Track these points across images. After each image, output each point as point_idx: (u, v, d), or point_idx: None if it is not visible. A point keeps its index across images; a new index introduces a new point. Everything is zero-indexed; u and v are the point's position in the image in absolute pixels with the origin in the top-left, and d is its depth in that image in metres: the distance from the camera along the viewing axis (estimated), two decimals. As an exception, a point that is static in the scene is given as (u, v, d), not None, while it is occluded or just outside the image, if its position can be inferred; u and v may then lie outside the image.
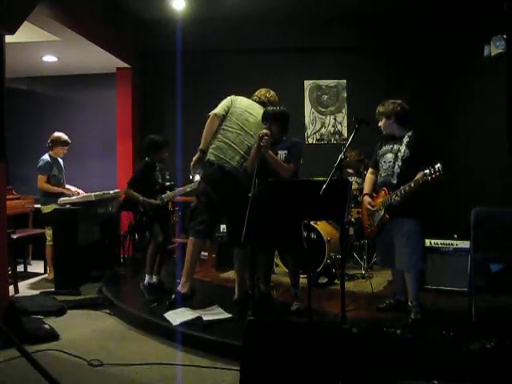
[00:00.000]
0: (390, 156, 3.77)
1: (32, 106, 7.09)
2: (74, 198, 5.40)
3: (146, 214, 4.59)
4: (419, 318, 3.61)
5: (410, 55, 6.44)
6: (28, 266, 6.09)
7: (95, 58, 6.17)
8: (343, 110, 6.73)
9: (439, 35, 6.19)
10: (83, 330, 3.90)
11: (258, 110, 4.10)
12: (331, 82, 6.74)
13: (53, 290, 4.96)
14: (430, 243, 4.46)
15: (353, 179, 5.52)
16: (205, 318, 3.69)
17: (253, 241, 3.16)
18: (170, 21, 6.32)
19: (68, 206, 5.25)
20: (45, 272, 5.81)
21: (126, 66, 6.58)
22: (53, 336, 3.65)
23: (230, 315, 3.80)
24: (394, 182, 3.69)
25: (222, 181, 4.00)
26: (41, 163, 5.53)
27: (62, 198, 5.33)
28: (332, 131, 6.76)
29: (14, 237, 5.25)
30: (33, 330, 3.62)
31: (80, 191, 5.71)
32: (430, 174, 3.31)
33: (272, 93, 4.30)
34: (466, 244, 4.30)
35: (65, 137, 5.63)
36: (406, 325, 3.50)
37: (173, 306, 3.95)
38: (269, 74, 6.22)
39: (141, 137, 6.20)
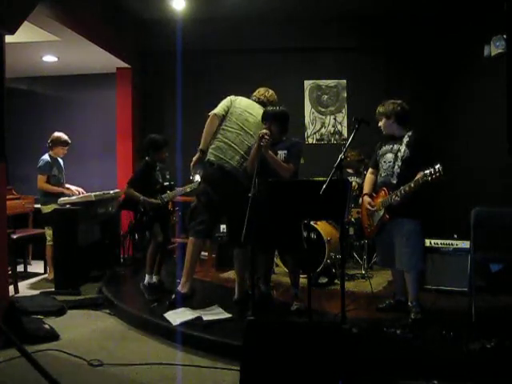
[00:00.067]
0: (389, 156, 3.77)
1: (32, 106, 7.09)
2: (73, 197, 5.40)
3: (147, 213, 4.59)
4: (419, 318, 3.61)
5: (410, 55, 6.44)
6: (28, 266, 6.09)
7: (95, 58, 6.17)
8: (343, 110, 6.73)
9: (439, 35, 6.19)
10: (83, 329, 3.90)
11: (257, 110, 4.10)
12: (331, 82, 6.74)
13: (53, 290, 4.96)
14: (430, 243, 4.46)
15: (353, 179, 5.51)
16: (205, 318, 3.69)
17: (253, 241, 3.16)
18: (170, 21, 6.32)
19: (68, 206, 5.25)
20: (45, 272, 5.81)
21: (126, 65, 6.58)
22: (53, 336, 3.65)
23: (229, 315, 3.80)
24: (394, 182, 3.69)
25: (221, 181, 4.00)
26: (41, 163, 5.53)
27: (61, 198, 5.33)
28: (332, 131, 6.76)
29: (14, 237, 5.25)
30: (33, 330, 3.62)
31: (80, 190, 5.72)
32: (430, 174, 3.31)
33: (271, 92, 4.30)
34: (466, 244, 4.30)
35: (65, 137, 5.63)
36: (406, 325, 3.50)
37: (173, 305, 3.95)
38: (269, 74, 6.22)
39: (141, 137, 6.19)
